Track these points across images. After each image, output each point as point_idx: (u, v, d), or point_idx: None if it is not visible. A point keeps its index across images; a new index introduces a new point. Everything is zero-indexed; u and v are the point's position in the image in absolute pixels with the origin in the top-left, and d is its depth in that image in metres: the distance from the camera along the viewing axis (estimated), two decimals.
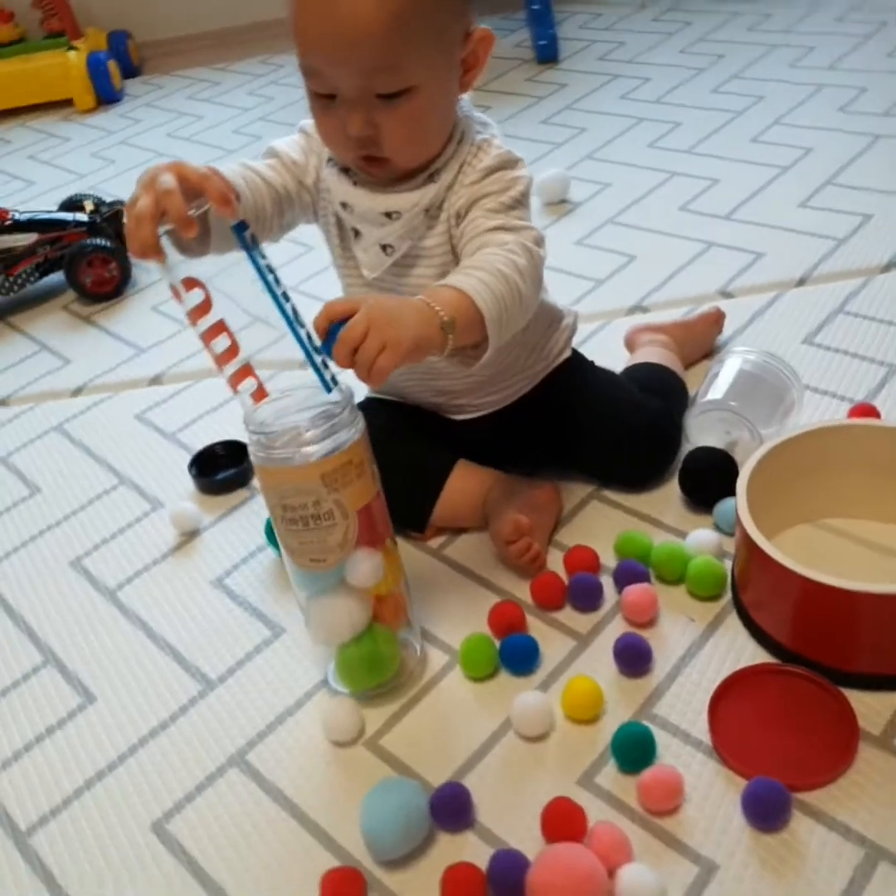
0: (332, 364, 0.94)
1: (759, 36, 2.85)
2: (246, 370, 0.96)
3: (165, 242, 0.92)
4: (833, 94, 2.39)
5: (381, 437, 1.26)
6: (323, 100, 1.04)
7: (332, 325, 0.92)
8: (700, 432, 1.29)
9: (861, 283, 1.67)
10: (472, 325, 0.99)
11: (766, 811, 0.89)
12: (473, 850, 0.93)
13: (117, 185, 2.63)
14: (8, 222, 2.05)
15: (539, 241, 1.10)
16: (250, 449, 0.97)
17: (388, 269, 1.15)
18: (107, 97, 3.31)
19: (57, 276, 2.11)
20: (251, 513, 1.40)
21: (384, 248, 1.14)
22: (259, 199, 1.12)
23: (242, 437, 1.02)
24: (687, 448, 1.28)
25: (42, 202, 2.48)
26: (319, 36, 0.99)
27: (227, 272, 1.14)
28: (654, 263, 1.85)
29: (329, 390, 0.94)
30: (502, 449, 1.30)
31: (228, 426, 1.56)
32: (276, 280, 0.95)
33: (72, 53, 3.23)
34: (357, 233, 1.15)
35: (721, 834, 0.91)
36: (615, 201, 2.11)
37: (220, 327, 0.95)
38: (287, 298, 0.95)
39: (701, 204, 2.03)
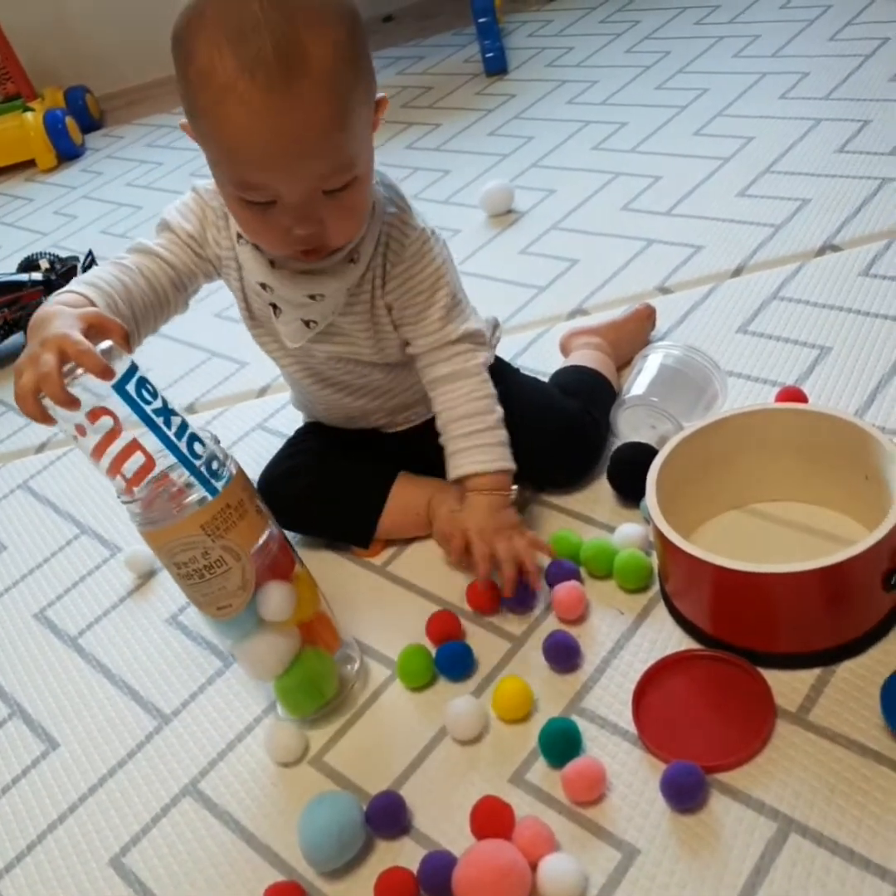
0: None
1: (706, 29, 2.86)
2: (161, 481, 0.93)
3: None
4: (776, 81, 2.41)
5: (319, 459, 1.33)
6: (259, 207, 1.01)
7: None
8: (628, 428, 1.33)
9: (796, 268, 1.69)
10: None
11: (682, 794, 0.92)
12: (410, 855, 0.96)
13: (79, 241, 2.67)
14: None
15: (485, 341, 1.24)
16: (129, 516, 0.96)
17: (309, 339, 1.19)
18: (68, 154, 3.35)
19: (19, 338, 2.15)
20: None
21: (307, 323, 1.17)
22: (158, 287, 1.13)
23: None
24: (616, 444, 1.32)
25: (7, 265, 2.53)
26: (268, 155, 0.95)
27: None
28: (595, 266, 1.88)
29: (215, 494, 0.95)
30: (442, 462, 1.32)
31: None
32: (167, 417, 0.92)
33: (28, 115, 3.27)
34: (276, 307, 1.17)
35: (643, 819, 0.94)
36: (559, 207, 2.14)
37: (133, 447, 0.91)
38: (181, 432, 0.93)
39: (642, 202, 2.06)
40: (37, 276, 2.16)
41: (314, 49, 0.92)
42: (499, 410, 1.22)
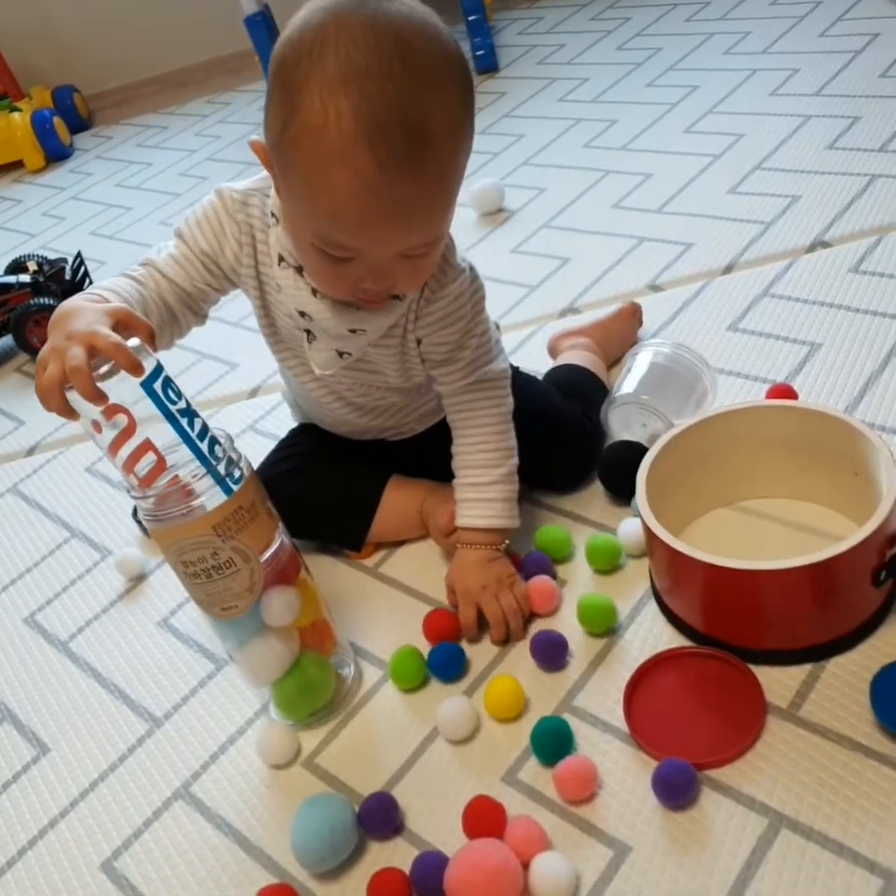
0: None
1: (696, 26, 2.86)
2: (172, 482, 0.93)
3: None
4: (766, 77, 2.41)
5: (312, 462, 1.32)
6: (335, 259, 0.96)
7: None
8: (619, 426, 1.33)
9: (786, 265, 1.69)
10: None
11: (674, 791, 0.92)
12: (402, 856, 0.96)
13: (68, 242, 2.67)
14: None
15: (508, 383, 1.22)
16: (140, 513, 0.96)
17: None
18: (56, 154, 3.34)
19: (8, 340, 2.16)
20: None
21: (341, 353, 1.12)
22: (170, 304, 1.10)
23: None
24: (607, 442, 1.32)
25: None
26: (368, 226, 0.91)
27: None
28: (586, 264, 1.88)
29: (229, 494, 0.95)
30: (434, 464, 1.31)
31: None
32: (190, 418, 0.92)
33: (16, 115, 3.26)
34: (310, 334, 1.12)
35: (635, 816, 0.94)
36: (550, 205, 2.14)
37: (145, 447, 0.90)
38: (203, 433, 0.93)
39: (633, 200, 2.06)
40: (25, 278, 2.15)
41: (439, 128, 0.87)
42: (510, 463, 1.20)
